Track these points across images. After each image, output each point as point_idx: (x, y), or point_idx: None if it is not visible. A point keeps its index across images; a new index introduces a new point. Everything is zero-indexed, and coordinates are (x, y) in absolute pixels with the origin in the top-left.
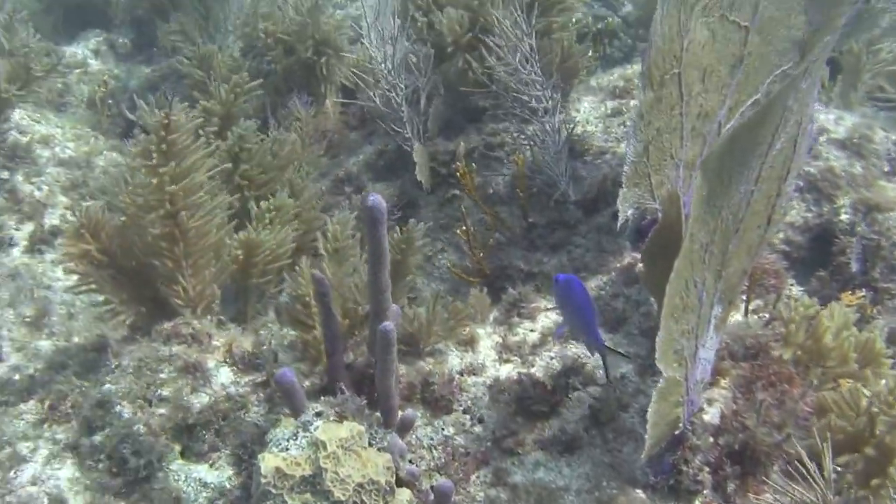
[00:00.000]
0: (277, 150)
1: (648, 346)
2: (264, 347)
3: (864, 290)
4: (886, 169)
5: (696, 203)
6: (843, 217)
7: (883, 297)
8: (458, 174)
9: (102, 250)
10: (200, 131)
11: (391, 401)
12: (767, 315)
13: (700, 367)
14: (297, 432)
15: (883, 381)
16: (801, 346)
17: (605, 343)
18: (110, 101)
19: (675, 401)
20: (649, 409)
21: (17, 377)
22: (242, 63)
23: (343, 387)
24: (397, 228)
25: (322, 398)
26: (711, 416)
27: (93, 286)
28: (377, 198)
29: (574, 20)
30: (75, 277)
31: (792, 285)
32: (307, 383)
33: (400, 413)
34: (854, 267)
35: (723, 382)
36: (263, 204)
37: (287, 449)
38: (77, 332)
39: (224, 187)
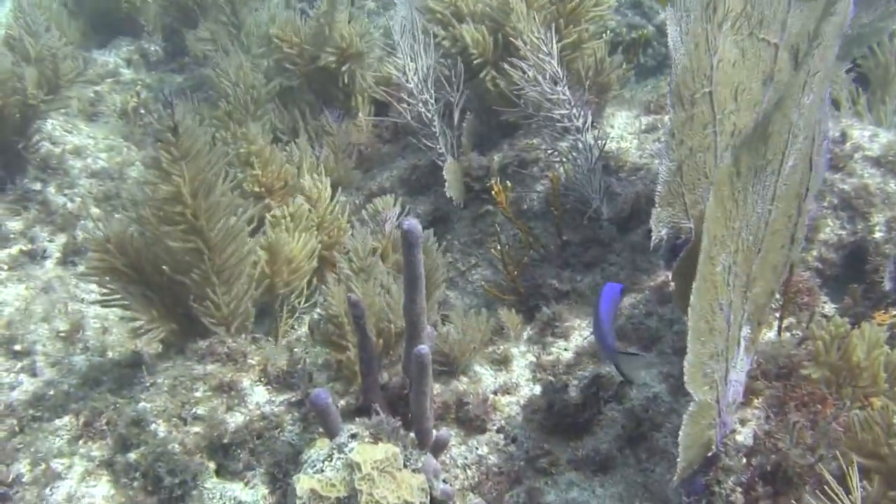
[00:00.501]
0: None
1: (682, 366)
2: (299, 367)
3: None
4: None
5: (712, 224)
6: (878, 235)
7: None
8: (492, 191)
9: (130, 265)
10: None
11: (426, 422)
12: (800, 333)
13: (731, 389)
14: (333, 454)
15: None
16: (832, 366)
17: (618, 349)
18: (143, 111)
19: (706, 423)
20: (681, 433)
21: (51, 392)
22: (269, 72)
23: (378, 408)
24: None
25: (357, 419)
26: (744, 436)
27: (122, 301)
28: (413, 222)
29: (607, 30)
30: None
31: (825, 303)
32: (342, 403)
33: (434, 433)
34: (888, 286)
35: (755, 402)
36: (277, 211)
37: (322, 470)
38: (111, 347)
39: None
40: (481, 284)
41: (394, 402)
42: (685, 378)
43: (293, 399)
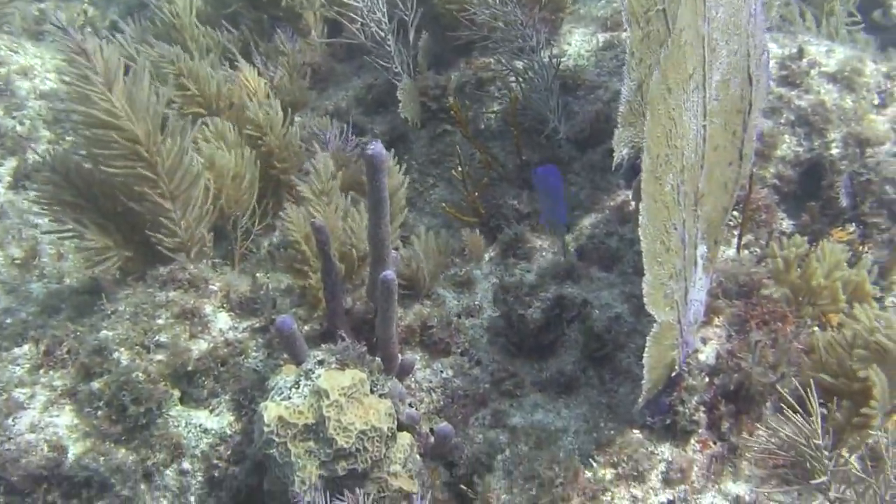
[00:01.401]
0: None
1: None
2: (261, 292)
3: (853, 224)
4: (876, 102)
5: (652, 143)
6: (834, 151)
7: (872, 231)
8: (450, 111)
9: (80, 194)
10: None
11: (391, 347)
12: (759, 251)
13: (692, 309)
14: (300, 381)
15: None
16: (793, 285)
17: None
18: (89, 30)
19: (669, 343)
20: (645, 354)
21: (9, 321)
22: None
23: (343, 334)
24: None
25: (323, 346)
26: (707, 355)
27: (75, 232)
28: (378, 146)
29: None
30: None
31: (783, 219)
32: (306, 328)
33: (399, 357)
34: (844, 202)
35: (717, 321)
36: (207, 128)
37: (289, 397)
38: (68, 273)
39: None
40: (440, 205)
41: (358, 327)
42: (645, 299)
43: (257, 325)
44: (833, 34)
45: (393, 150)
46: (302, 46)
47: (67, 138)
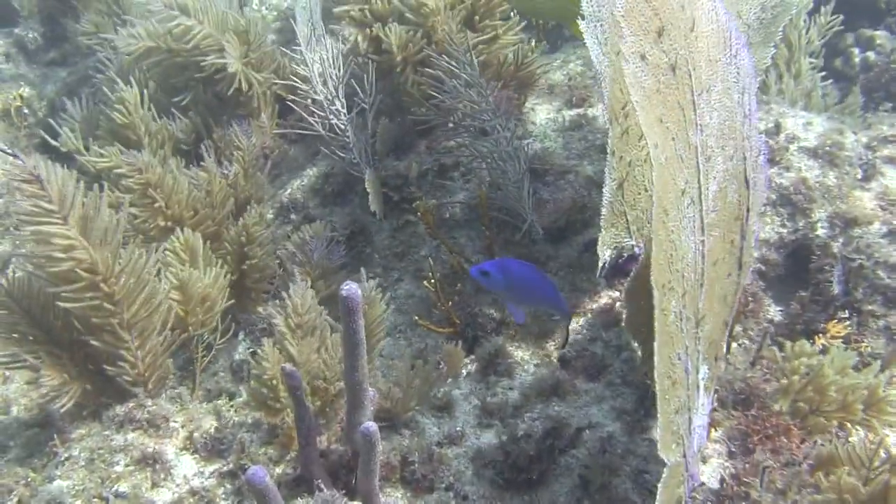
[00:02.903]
0: (212, 188)
1: (634, 399)
2: (228, 430)
3: (847, 311)
4: (859, 176)
5: (658, 274)
6: (820, 232)
7: (868, 320)
8: (418, 213)
9: (35, 323)
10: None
11: (374, 499)
12: (747, 342)
13: (696, 437)
14: None
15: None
16: (801, 396)
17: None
18: (26, 111)
19: (677, 482)
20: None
21: None
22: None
23: (321, 484)
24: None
25: (301, 500)
26: (708, 478)
27: (28, 364)
28: (353, 287)
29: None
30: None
31: (769, 306)
32: (278, 471)
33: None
34: (836, 289)
35: (715, 434)
36: (170, 243)
37: None
38: (14, 401)
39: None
40: (416, 321)
41: (335, 472)
42: (659, 444)
43: (224, 469)
44: (804, 97)
45: (367, 275)
46: (253, 130)
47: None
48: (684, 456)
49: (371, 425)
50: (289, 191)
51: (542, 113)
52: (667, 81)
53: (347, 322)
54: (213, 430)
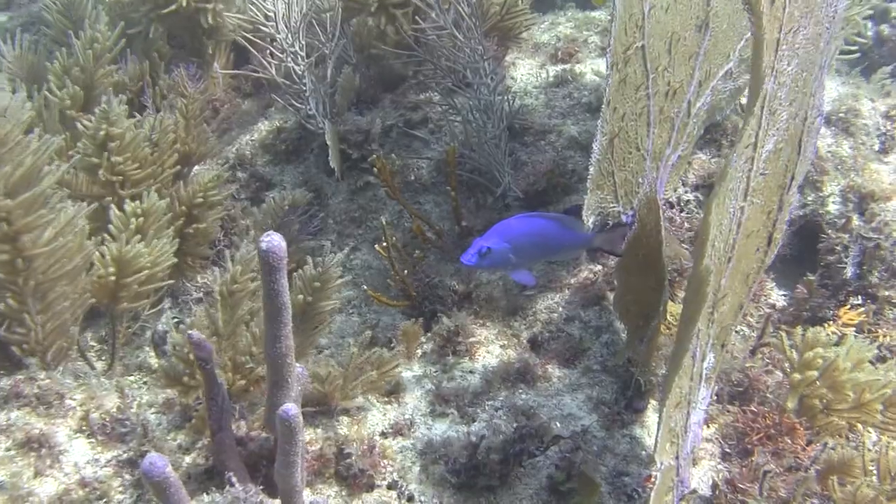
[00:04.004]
0: (159, 139)
1: (615, 389)
2: (132, 410)
3: (860, 297)
4: (877, 148)
5: (704, 250)
6: (832, 208)
7: (884, 308)
8: (375, 168)
9: None
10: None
11: (295, 498)
12: (745, 330)
13: (691, 436)
14: None
15: None
16: (814, 394)
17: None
18: None
19: (668, 487)
20: None
21: None
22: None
23: (233, 476)
24: (309, 261)
25: (206, 497)
26: (699, 483)
27: None
28: (274, 240)
29: None
30: None
31: (772, 289)
32: (187, 460)
33: (306, 501)
34: (849, 272)
35: (707, 432)
36: (128, 207)
37: None
38: None
39: (85, 188)
40: (366, 291)
41: (255, 463)
42: (657, 446)
43: (124, 456)
44: None
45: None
46: (204, 79)
47: None
48: (677, 458)
49: (290, 407)
50: (236, 147)
51: (523, 68)
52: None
53: (268, 281)
54: (115, 409)
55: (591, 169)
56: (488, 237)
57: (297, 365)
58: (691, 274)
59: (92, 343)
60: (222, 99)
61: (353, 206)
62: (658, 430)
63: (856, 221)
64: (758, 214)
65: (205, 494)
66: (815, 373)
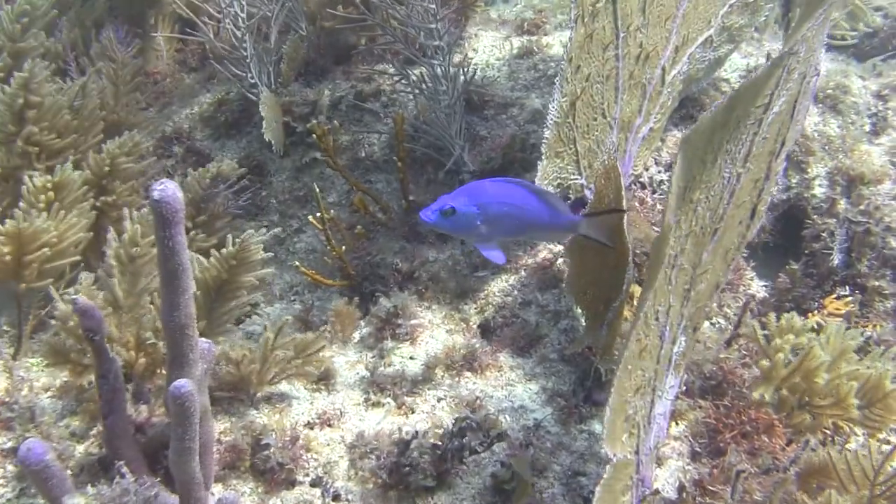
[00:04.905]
0: (82, 106)
1: (573, 380)
2: (23, 393)
3: (847, 288)
4: (867, 129)
5: (673, 203)
6: (818, 191)
7: (874, 299)
8: (314, 134)
9: None
10: None
11: (195, 489)
12: (722, 322)
13: (655, 429)
14: None
15: None
16: (791, 385)
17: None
18: None
19: (622, 486)
20: None
21: None
22: None
23: (124, 468)
24: (229, 239)
25: (91, 488)
26: (663, 484)
27: None
28: (169, 188)
29: None
30: None
31: (752, 279)
32: (80, 449)
33: (213, 499)
34: (836, 260)
35: (676, 429)
36: (37, 180)
37: None
38: None
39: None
40: (297, 267)
41: (156, 451)
42: (605, 432)
43: (8, 444)
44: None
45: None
46: (144, 51)
47: None
48: (637, 452)
49: (183, 384)
50: (175, 120)
51: (486, 40)
52: None
53: (162, 238)
54: (2, 392)
55: (548, 133)
56: (456, 196)
57: (203, 340)
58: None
59: (6, 328)
60: (165, 72)
61: (298, 184)
62: (608, 413)
63: (843, 205)
64: (748, 183)
65: (89, 486)
66: (782, 356)
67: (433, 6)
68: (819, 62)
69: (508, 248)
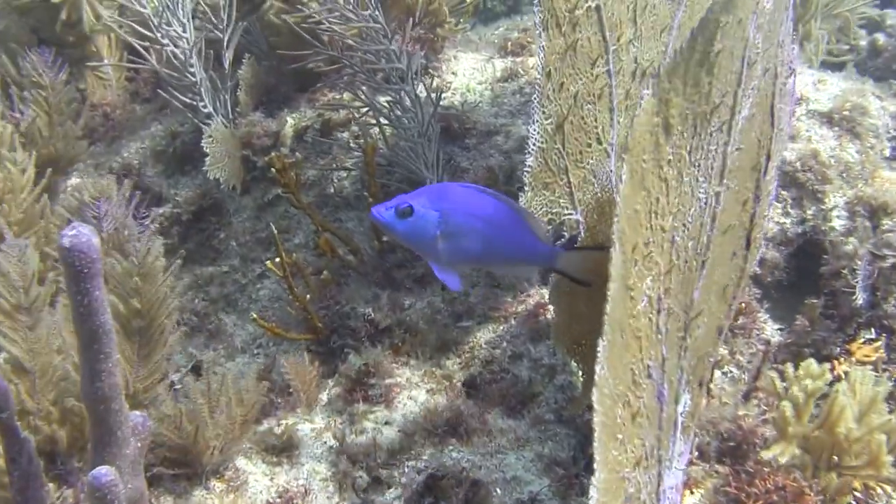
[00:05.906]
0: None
1: (572, 444)
2: None
3: (873, 330)
4: (887, 153)
5: (627, 223)
6: (836, 224)
7: None
8: (273, 168)
9: None
10: None
11: None
12: (735, 371)
13: None
14: None
15: None
16: (810, 441)
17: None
18: None
19: None
20: None
21: None
22: None
23: None
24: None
25: None
26: None
27: None
28: (83, 233)
29: None
30: None
31: (765, 322)
32: None
33: None
34: (860, 298)
35: (690, 499)
36: None
37: None
38: None
39: None
40: (270, 305)
41: None
42: None
43: None
44: (812, 60)
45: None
46: (91, 82)
47: None
48: None
49: (103, 472)
50: (123, 155)
51: (465, 62)
52: None
53: (76, 294)
54: None
55: (530, 160)
56: (417, 195)
57: (136, 413)
58: None
59: None
60: (114, 103)
61: (261, 224)
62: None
63: (864, 240)
64: (733, 204)
65: None
66: (788, 408)
67: (378, 25)
68: (792, 59)
69: (496, 295)
